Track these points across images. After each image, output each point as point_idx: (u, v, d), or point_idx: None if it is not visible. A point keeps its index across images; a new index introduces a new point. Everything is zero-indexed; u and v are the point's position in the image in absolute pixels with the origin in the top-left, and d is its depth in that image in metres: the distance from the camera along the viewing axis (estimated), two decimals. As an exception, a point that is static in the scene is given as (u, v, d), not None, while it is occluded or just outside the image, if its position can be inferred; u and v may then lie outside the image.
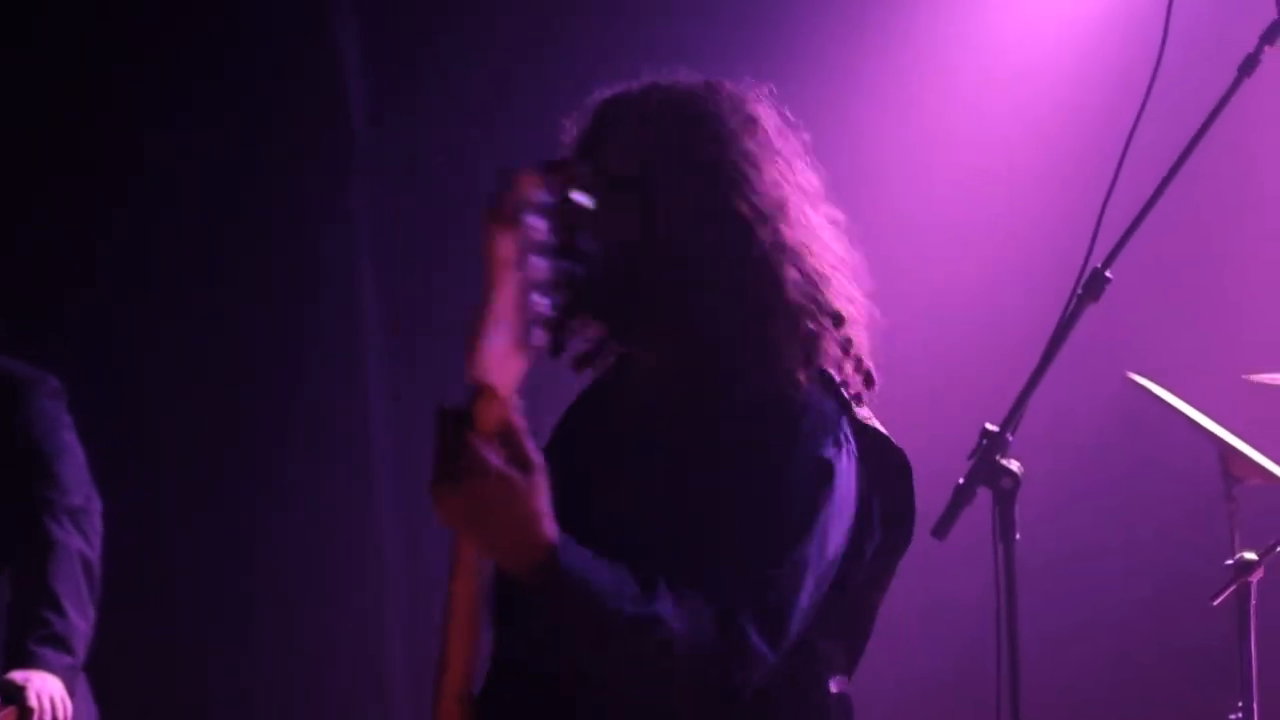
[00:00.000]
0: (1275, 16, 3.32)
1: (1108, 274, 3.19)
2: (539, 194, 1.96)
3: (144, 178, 5.51)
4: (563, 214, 1.99)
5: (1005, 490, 3.15)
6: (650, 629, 2.17)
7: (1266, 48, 3.31)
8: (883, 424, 2.57)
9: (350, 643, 5.63)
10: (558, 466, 2.56)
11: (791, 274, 2.48)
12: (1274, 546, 3.98)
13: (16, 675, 3.79)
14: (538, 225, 1.96)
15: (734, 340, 2.46)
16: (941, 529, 3.18)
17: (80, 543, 3.99)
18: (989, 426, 3.17)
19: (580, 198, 2.01)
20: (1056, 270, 3.51)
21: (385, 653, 5.64)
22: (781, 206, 2.50)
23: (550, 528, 2.10)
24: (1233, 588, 4.00)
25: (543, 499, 2.08)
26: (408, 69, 5.61)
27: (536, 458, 2.06)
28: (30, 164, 5.44)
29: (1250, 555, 3.99)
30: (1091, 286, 3.20)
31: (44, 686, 3.78)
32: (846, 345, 2.52)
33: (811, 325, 2.49)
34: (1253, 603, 4.01)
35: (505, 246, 1.93)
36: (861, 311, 2.56)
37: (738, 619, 2.24)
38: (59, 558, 3.94)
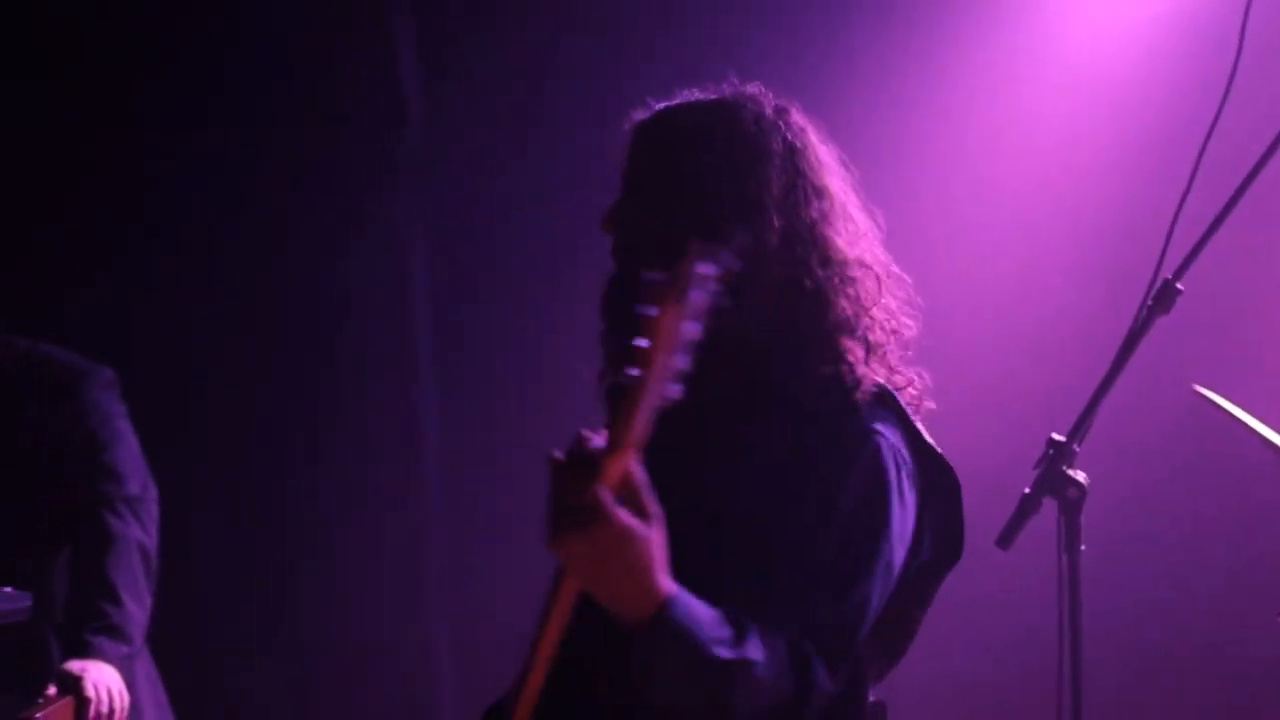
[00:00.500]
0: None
1: (1179, 285, 3.23)
2: (707, 267, 2.08)
3: (198, 176, 5.59)
4: (721, 281, 2.11)
5: (1071, 501, 3.20)
6: (741, 673, 2.27)
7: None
8: (944, 434, 2.64)
9: (395, 647, 5.68)
10: None
11: (843, 290, 2.56)
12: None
13: (73, 665, 3.86)
14: (700, 296, 2.09)
15: (789, 360, 2.54)
16: (1006, 539, 3.24)
17: (138, 532, 4.07)
18: (1056, 437, 3.22)
19: (730, 261, 2.13)
20: (1124, 279, 3.55)
21: (431, 655, 5.70)
22: (830, 221, 2.58)
23: (665, 579, 2.19)
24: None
25: (660, 550, 2.17)
26: (461, 71, 5.65)
27: (656, 510, 2.16)
28: (80, 154, 5.53)
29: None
30: (1162, 298, 3.23)
31: (100, 677, 3.85)
32: (898, 357, 2.61)
33: (873, 339, 2.58)
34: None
35: (674, 321, 2.05)
36: (912, 321, 2.64)
37: (812, 661, 2.34)
38: (117, 548, 4.02)
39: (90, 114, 5.55)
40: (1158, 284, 3.24)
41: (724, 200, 2.53)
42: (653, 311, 2.05)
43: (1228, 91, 3.30)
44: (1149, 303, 3.24)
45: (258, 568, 5.63)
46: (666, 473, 2.54)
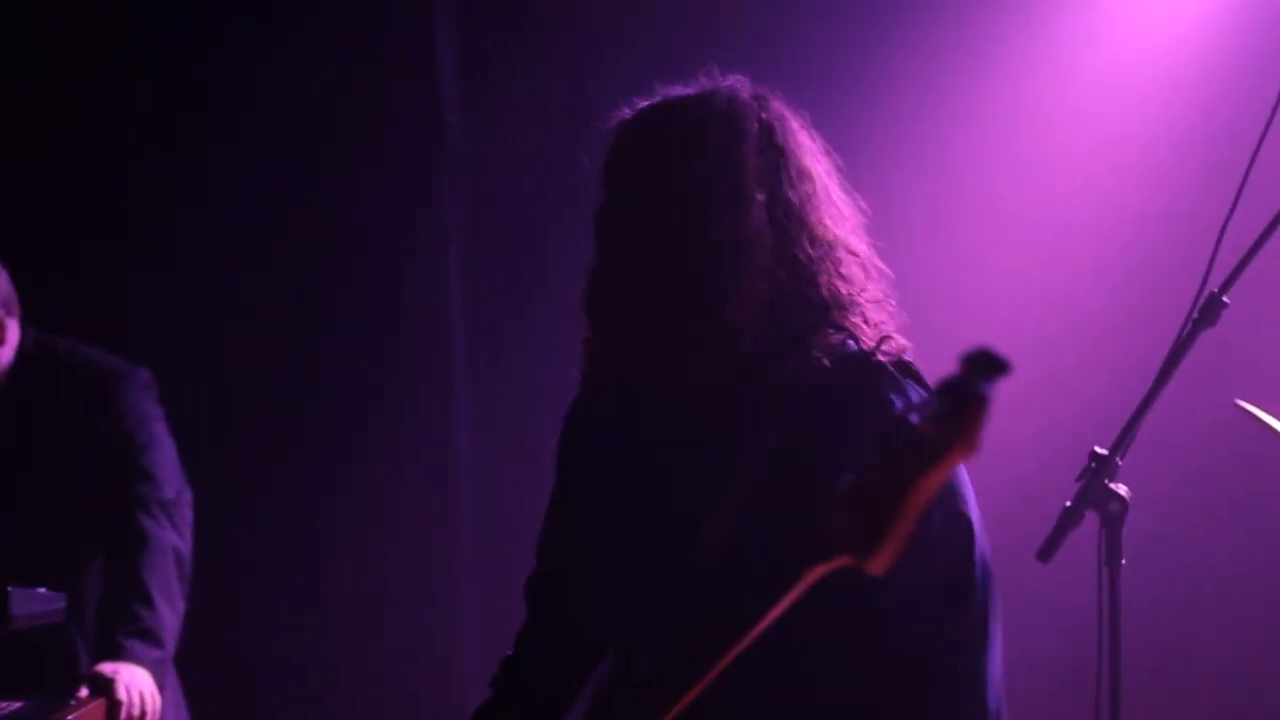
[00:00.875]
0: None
1: (1225, 299, 3.21)
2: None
3: (235, 177, 5.60)
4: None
5: (1113, 514, 3.20)
6: None
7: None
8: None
9: (425, 652, 5.69)
10: (605, 483, 2.65)
11: (835, 270, 2.55)
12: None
13: (105, 668, 3.88)
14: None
15: (792, 339, 2.52)
16: (1047, 552, 3.24)
17: (172, 536, 4.09)
18: (1098, 450, 3.21)
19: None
20: (1169, 281, 3.54)
21: (462, 659, 5.71)
22: (815, 203, 2.57)
23: None
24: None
25: None
26: (501, 73, 5.65)
27: None
28: (124, 157, 5.56)
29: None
30: (1208, 312, 3.22)
31: (133, 679, 3.87)
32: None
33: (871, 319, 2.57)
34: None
35: (947, 470, 2.00)
36: (893, 315, 2.61)
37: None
38: (151, 551, 4.04)
39: (130, 116, 5.57)
40: (1204, 297, 3.22)
41: (704, 187, 2.53)
42: (931, 466, 1.98)
43: (1276, 108, 3.28)
44: (1194, 316, 3.23)
45: (289, 571, 5.64)
46: (705, 469, 2.54)
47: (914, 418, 1.97)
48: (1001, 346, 2.52)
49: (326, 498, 5.66)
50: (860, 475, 2.02)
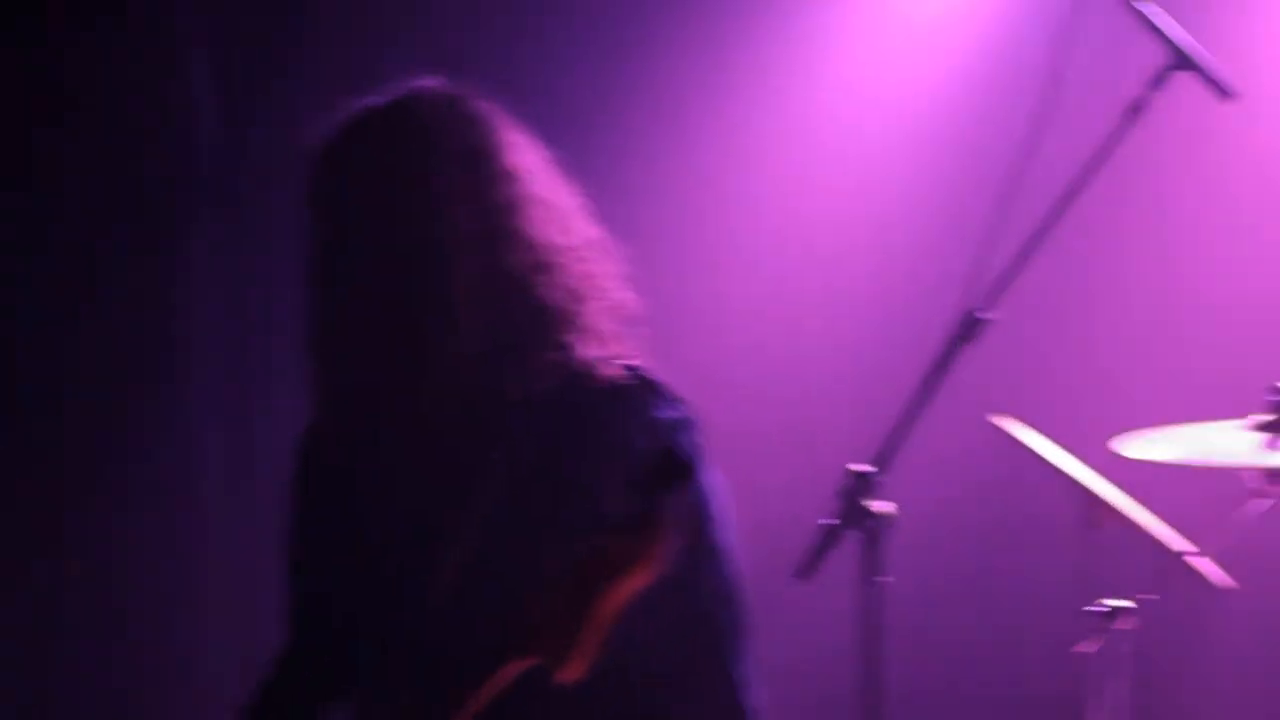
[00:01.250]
0: (1164, 61, 3.36)
1: (986, 317, 3.25)
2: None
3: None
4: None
5: (872, 531, 3.21)
6: None
7: (1154, 93, 3.35)
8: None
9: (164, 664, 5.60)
10: (350, 522, 2.58)
11: (546, 278, 2.51)
12: (1140, 596, 4.05)
13: None
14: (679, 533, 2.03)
15: (508, 363, 2.48)
16: (806, 570, 3.24)
17: None
18: (857, 468, 3.22)
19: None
20: (931, 301, 3.57)
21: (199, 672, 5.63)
22: (521, 207, 2.52)
23: None
24: (1096, 635, 4.06)
25: None
26: (259, 92, 5.57)
27: None
28: None
29: (1117, 603, 4.05)
30: (969, 329, 3.25)
31: None
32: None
33: (589, 323, 2.53)
34: (1119, 651, 4.06)
35: (646, 576, 2.00)
36: (628, 296, 2.59)
37: None
38: None
39: None
40: (965, 315, 3.26)
41: (402, 198, 2.48)
42: (613, 584, 1.96)
43: (1040, 125, 3.33)
44: (955, 333, 3.26)
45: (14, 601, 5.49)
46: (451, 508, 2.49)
47: (612, 515, 1.95)
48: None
49: (61, 512, 5.52)
50: (550, 585, 2.00)
